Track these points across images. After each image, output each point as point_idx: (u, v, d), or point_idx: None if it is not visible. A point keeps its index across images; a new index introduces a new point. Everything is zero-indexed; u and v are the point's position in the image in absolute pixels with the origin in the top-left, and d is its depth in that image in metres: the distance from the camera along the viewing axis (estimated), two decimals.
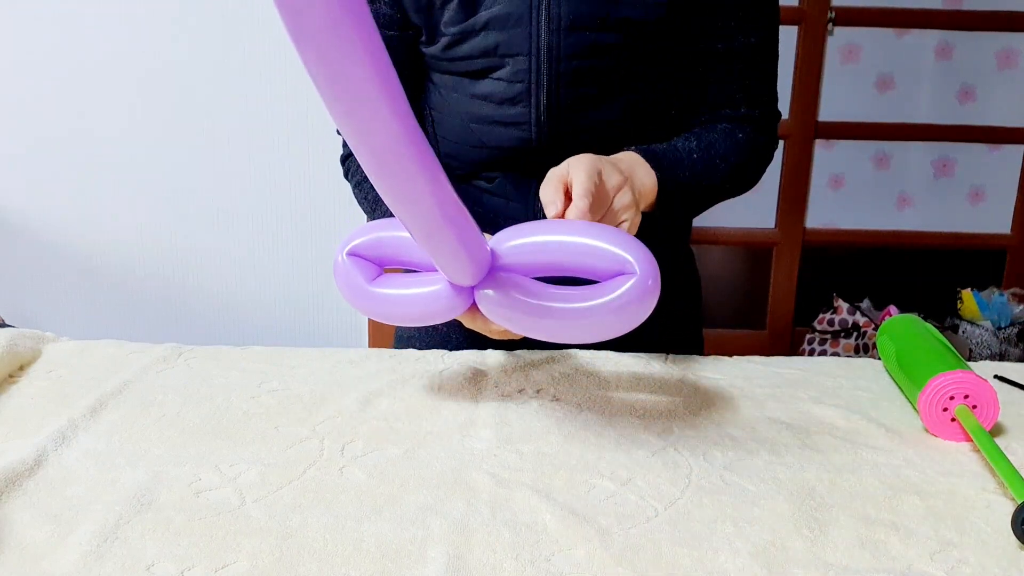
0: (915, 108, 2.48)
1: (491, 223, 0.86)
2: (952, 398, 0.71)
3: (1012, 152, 2.48)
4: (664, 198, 0.83)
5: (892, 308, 2.31)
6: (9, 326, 1.02)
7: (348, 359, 0.86)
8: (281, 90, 1.97)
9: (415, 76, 0.95)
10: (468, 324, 0.73)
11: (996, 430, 0.72)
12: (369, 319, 2.13)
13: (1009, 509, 0.60)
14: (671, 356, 0.88)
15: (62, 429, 0.69)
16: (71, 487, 0.61)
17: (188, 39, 1.95)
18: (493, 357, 0.87)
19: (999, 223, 2.51)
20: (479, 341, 0.86)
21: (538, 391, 0.79)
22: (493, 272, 0.66)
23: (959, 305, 2.31)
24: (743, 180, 0.93)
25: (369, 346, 2.15)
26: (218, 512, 0.59)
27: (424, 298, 0.69)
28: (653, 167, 0.82)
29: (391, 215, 0.90)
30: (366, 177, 0.95)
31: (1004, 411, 0.73)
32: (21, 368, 0.83)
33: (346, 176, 1.01)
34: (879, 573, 0.53)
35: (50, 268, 2.09)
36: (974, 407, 0.71)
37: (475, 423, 0.73)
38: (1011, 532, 0.57)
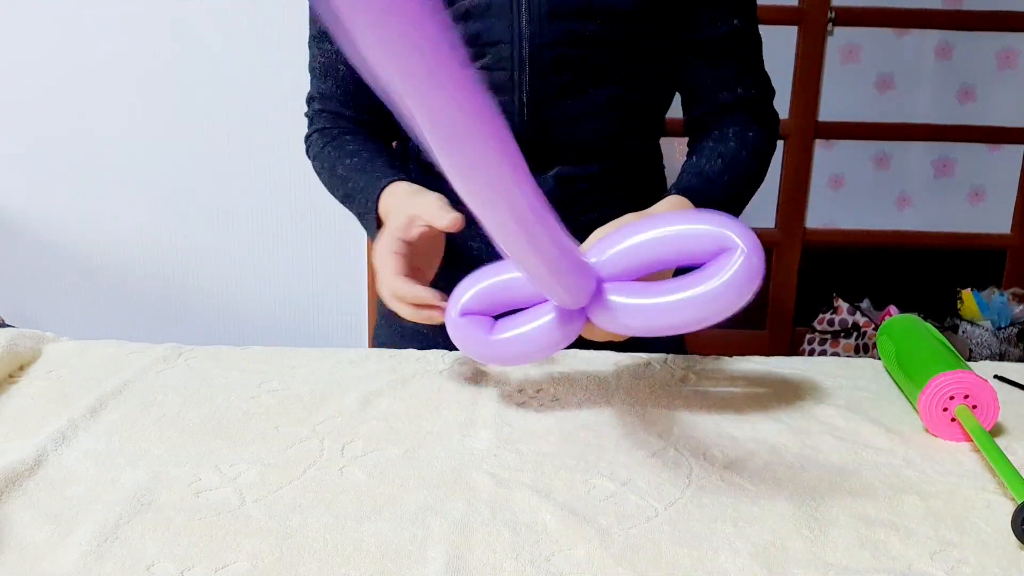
0: (915, 108, 2.49)
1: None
2: (952, 398, 0.71)
3: (1012, 152, 2.48)
4: None
5: (892, 308, 2.31)
6: (9, 326, 1.02)
7: (348, 359, 0.86)
8: (281, 90, 1.97)
9: None
10: (586, 336, 0.73)
11: (996, 430, 0.72)
12: (369, 318, 2.13)
13: (1009, 509, 0.60)
14: (671, 356, 0.88)
15: (62, 429, 0.69)
16: (71, 487, 0.61)
17: (188, 39, 1.95)
18: None
19: (999, 223, 2.51)
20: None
21: (538, 391, 0.79)
22: (600, 287, 0.67)
23: (959, 305, 2.31)
24: (760, 181, 0.94)
25: (369, 346, 2.15)
26: (218, 512, 0.59)
27: (542, 330, 0.70)
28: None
29: (360, 187, 0.89)
30: (328, 150, 0.94)
31: (1004, 411, 0.73)
32: (21, 368, 0.83)
33: (307, 153, 1.00)
34: (879, 573, 0.53)
35: (50, 268, 2.09)
36: (974, 407, 0.71)
37: (475, 423, 0.73)
38: (1011, 532, 0.57)
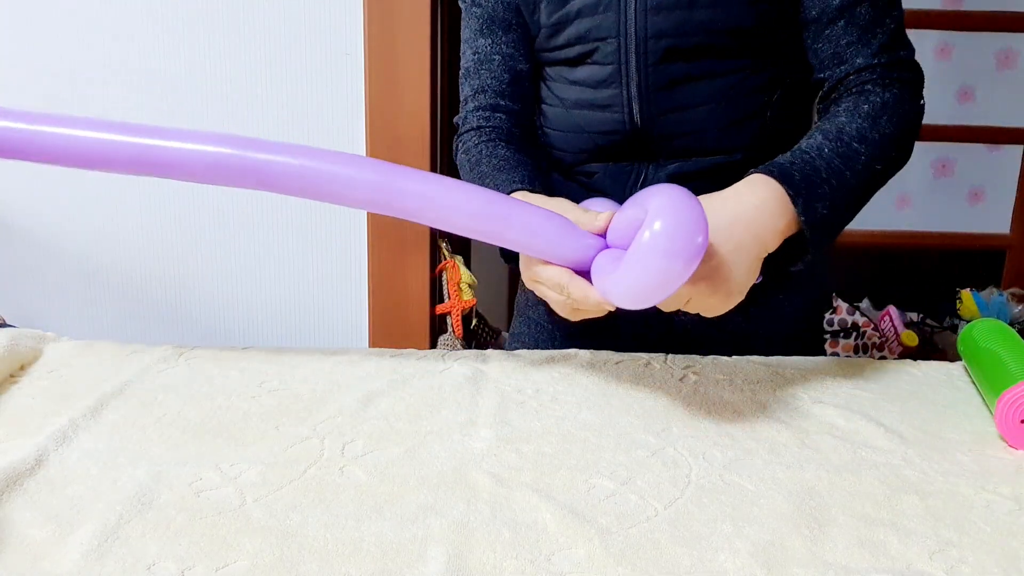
0: None
1: None
2: None
3: (1011, 152, 2.48)
4: (813, 224, 0.79)
5: (891, 308, 2.31)
6: (10, 326, 1.02)
7: (348, 359, 0.86)
8: (282, 91, 1.97)
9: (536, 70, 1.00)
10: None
11: None
12: (369, 319, 2.13)
13: (1008, 509, 0.61)
14: (671, 356, 0.88)
15: (63, 429, 0.69)
16: (72, 487, 0.62)
17: (191, 39, 1.95)
18: (493, 357, 0.87)
19: (998, 223, 2.51)
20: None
21: (538, 391, 0.79)
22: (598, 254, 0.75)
23: (958, 305, 2.31)
24: (891, 156, 0.86)
25: (369, 346, 2.15)
26: (219, 512, 0.59)
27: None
28: (789, 193, 0.77)
29: (493, 187, 0.92)
30: (480, 147, 0.97)
31: None
32: (22, 368, 0.83)
33: (455, 155, 1.02)
34: (878, 573, 0.53)
35: (51, 268, 2.09)
36: None
37: (475, 423, 0.73)
38: (1011, 532, 0.57)
